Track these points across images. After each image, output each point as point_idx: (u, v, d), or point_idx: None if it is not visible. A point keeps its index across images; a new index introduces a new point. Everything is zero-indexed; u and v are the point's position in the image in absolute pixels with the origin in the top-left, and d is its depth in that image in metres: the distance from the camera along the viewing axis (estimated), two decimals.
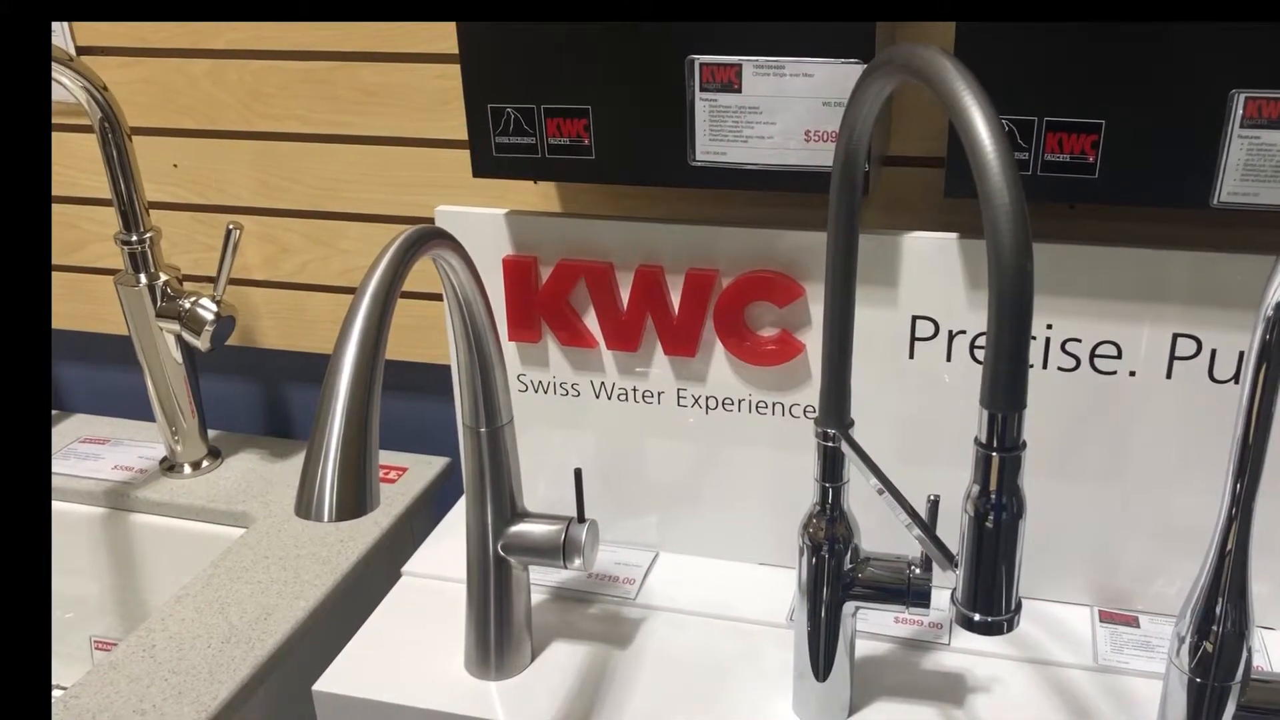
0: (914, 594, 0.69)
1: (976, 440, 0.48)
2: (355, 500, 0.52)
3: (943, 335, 0.78)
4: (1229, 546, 0.63)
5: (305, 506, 0.52)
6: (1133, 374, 0.76)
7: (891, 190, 0.82)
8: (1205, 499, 0.78)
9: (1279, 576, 0.79)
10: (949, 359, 0.78)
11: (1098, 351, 0.76)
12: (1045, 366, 0.77)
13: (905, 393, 0.80)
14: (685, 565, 0.89)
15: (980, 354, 0.78)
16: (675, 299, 0.81)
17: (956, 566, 0.51)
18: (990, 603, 0.51)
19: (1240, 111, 0.65)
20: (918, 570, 0.69)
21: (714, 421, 0.84)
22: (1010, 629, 0.51)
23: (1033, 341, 0.76)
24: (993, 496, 0.49)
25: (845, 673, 0.73)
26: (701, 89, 0.72)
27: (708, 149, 0.73)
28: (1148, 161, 0.67)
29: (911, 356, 0.79)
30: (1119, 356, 0.75)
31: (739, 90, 0.71)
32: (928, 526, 0.60)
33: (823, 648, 0.72)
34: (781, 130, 0.71)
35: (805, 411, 0.82)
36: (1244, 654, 0.65)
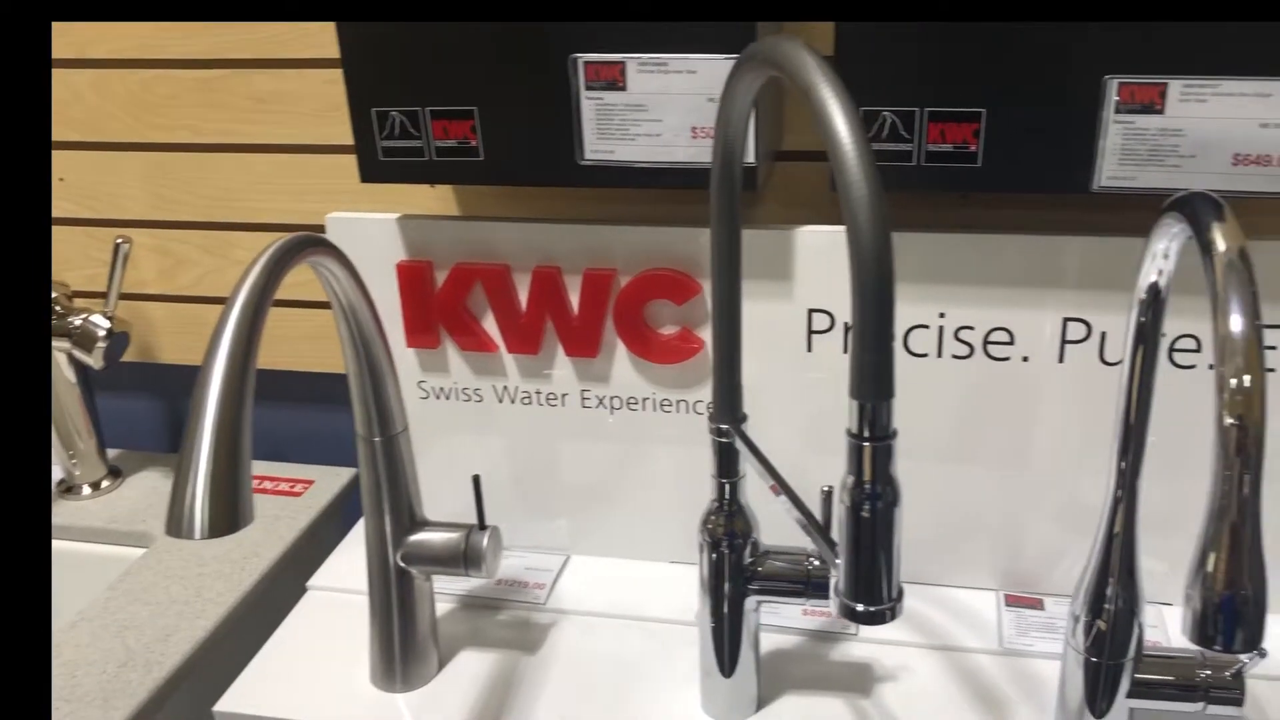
0: (813, 586, 0.69)
1: (848, 431, 0.48)
2: (227, 517, 0.51)
3: (839, 328, 0.78)
4: (1116, 527, 0.64)
5: (175, 524, 0.50)
6: (1026, 359, 0.76)
7: (786, 185, 0.82)
8: (1105, 479, 0.78)
9: (1174, 553, 0.80)
10: (846, 350, 0.78)
11: (990, 338, 0.76)
12: (940, 355, 0.77)
13: (805, 386, 0.80)
14: (597, 567, 0.88)
15: None
16: (575, 300, 0.80)
17: (837, 558, 0.51)
18: (871, 592, 0.51)
19: (1114, 97, 0.65)
20: (816, 563, 0.69)
21: (619, 422, 0.84)
22: (893, 617, 0.51)
23: (925, 330, 0.77)
24: (867, 486, 0.49)
25: (751, 667, 0.73)
26: (587, 87, 0.71)
27: (596, 148, 0.72)
28: (1029, 149, 0.68)
29: (810, 350, 0.79)
30: (1011, 343, 0.76)
31: (624, 88, 0.71)
32: (814, 519, 0.60)
33: (727, 643, 0.71)
34: (668, 127, 0.71)
35: (709, 408, 0.82)
36: (1135, 631, 0.66)
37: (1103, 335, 0.75)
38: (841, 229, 0.76)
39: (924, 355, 0.77)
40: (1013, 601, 0.82)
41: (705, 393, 0.82)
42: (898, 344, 0.77)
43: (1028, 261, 0.74)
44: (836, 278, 0.77)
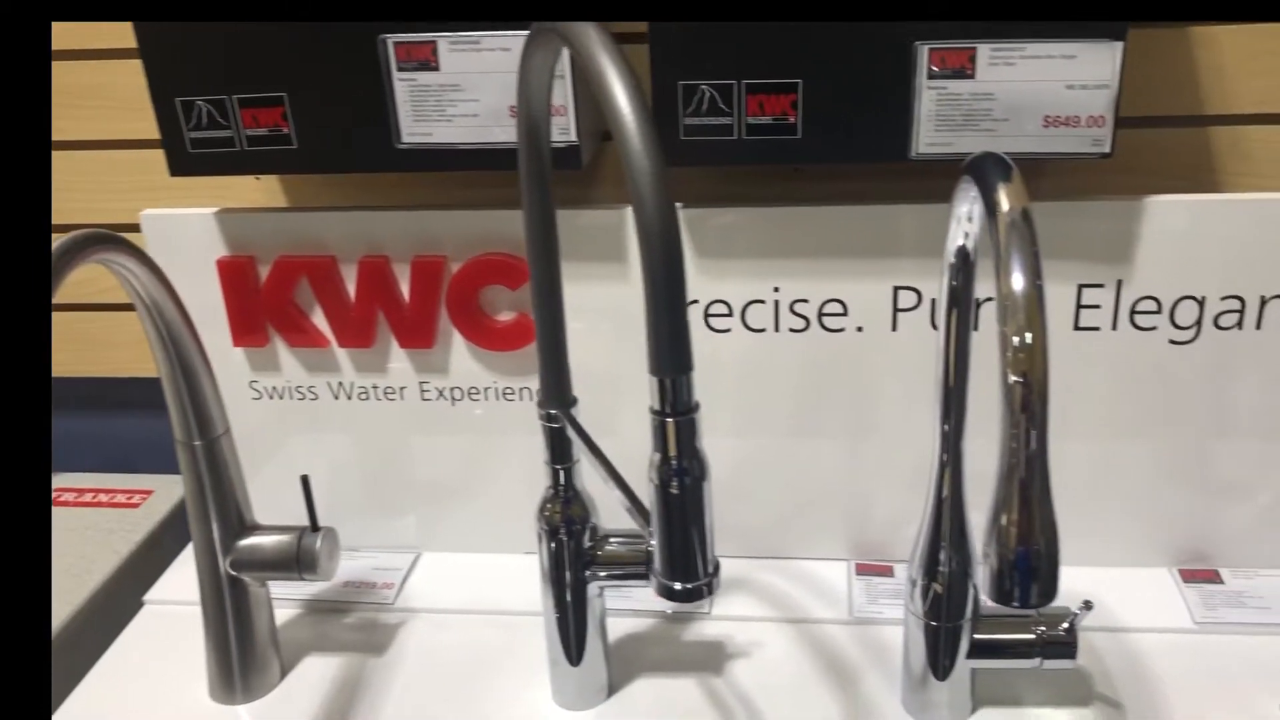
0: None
1: (651, 408, 0.47)
2: None
3: None
4: (944, 491, 0.65)
5: None
6: (860, 329, 0.77)
7: (608, 165, 0.80)
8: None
9: None
10: None
11: (825, 310, 0.76)
12: (777, 329, 0.77)
13: (642, 366, 0.78)
14: (448, 563, 0.86)
15: (714, 322, 0.77)
16: (406, 289, 0.78)
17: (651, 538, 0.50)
18: (687, 569, 0.50)
19: (926, 63, 0.66)
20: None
21: (461, 413, 0.82)
22: (710, 592, 0.51)
23: (762, 305, 0.76)
24: (673, 462, 0.48)
25: (599, 654, 0.72)
26: (398, 68, 0.69)
27: (413, 130, 0.70)
28: (847, 118, 0.67)
29: None
30: (846, 314, 0.76)
31: (437, 68, 0.68)
32: (640, 504, 0.59)
33: (573, 632, 0.70)
34: (485, 107, 0.69)
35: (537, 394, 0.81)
36: (970, 593, 0.66)
37: (933, 302, 0.75)
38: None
39: (762, 330, 0.77)
40: (863, 570, 0.83)
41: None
42: (734, 320, 0.77)
43: (858, 232, 0.74)
44: None
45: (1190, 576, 0.80)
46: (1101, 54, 0.64)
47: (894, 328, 0.76)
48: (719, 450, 0.80)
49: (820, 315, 0.76)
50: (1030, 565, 0.44)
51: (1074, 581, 0.79)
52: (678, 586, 0.51)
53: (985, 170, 0.48)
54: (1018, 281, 0.43)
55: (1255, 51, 0.73)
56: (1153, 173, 0.76)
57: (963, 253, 0.58)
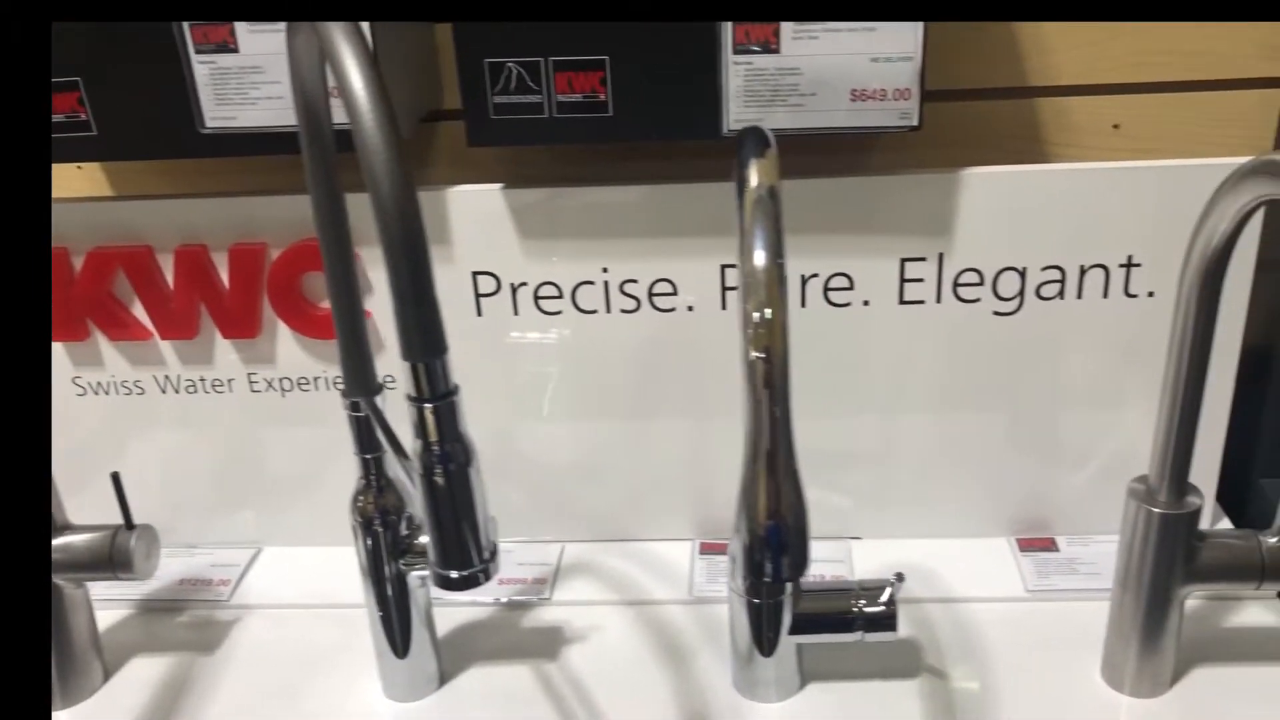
0: None
1: (407, 395, 0.46)
2: None
3: (505, 289, 0.76)
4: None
5: None
6: (691, 309, 0.76)
7: (449, 145, 0.79)
8: None
9: (860, 489, 0.81)
10: (516, 313, 0.77)
11: (655, 290, 0.76)
12: (609, 310, 0.76)
13: (479, 353, 0.78)
14: (288, 557, 0.85)
15: (546, 305, 0.76)
16: (226, 278, 0.76)
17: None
18: (461, 556, 0.49)
19: (731, 37, 0.65)
20: None
21: (292, 404, 0.80)
22: (486, 578, 0.50)
23: (592, 286, 0.75)
24: (435, 449, 0.47)
25: (427, 645, 0.71)
26: (197, 51, 0.67)
27: (216, 114, 0.68)
28: (657, 95, 0.67)
29: (480, 314, 0.77)
30: (675, 293, 0.76)
31: (236, 50, 0.66)
32: None
33: (396, 625, 0.69)
34: (289, 89, 0.67)
35: (385, 381, 0.79)
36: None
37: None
38: (492, 187, 0.74)
39: (593, 312, 0.76)
40: (707, 549, 0.83)
41: (380, 366, 0.78)
42: (565, 302, 0.76)
43: (685, 210, 0.73)
44: (496, 238, 0.75)
45: (1027, 545, 0.81)
46: (903, 26, 0.64)
47: (724, 306, 0.76)
48: (560, 434, 0.80)
49: (651, 295, 0.76)
50: (780, 539, 0.44)
51: (913, 553, 0.81)
52: (453, 575, 0.50)
53: (742, 146, 0.48)
54: (759, 258, 0.43)
55: (1076, 24, 0.74)
56: (980, 145, 0.77)
57: None
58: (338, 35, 0.43)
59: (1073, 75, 0.75)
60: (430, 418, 0.46)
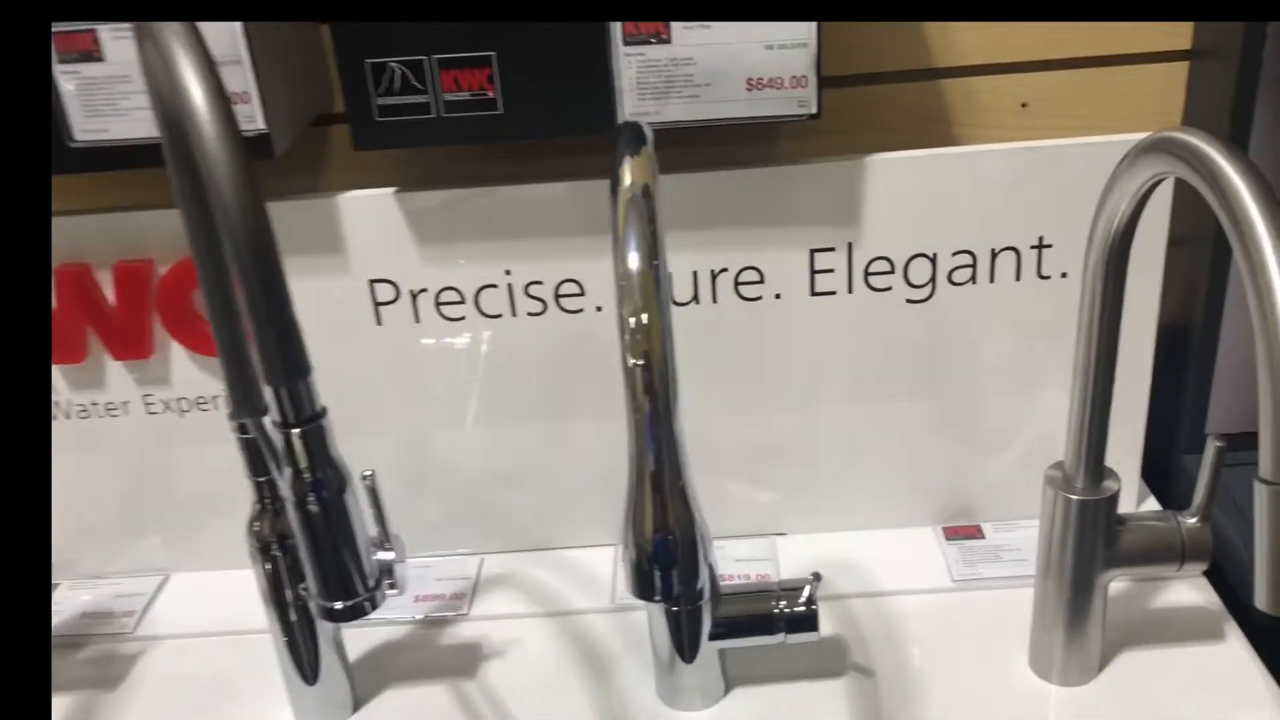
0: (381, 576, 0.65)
1: (272, 421, 0.44)
2: None
3: (405, 296, 0.73)
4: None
5: None
6: (599, 309, 0.74)
7: (343, 149, 0.76)
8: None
9: (783, 484, 0.80)
10: (418, 320, 0.74)
11: (561, 291, 0.73)
12: (514, 314, 0.74)
13: (380, 364, 0.75)
14: (199, 583, 0.82)
15: (448, 310, 0.74)
16: (112, 297, 0.73)
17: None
18: (345, 587, 0.47)
19: (620, 29, 0.63)
20: (380, 552, 0.65)
21: (192, 424, 0.77)
22: (375, 606, 0.47)
23: (495, 290, 0.73)
24: (306, 476, 0.44)
25: (338, 669, 0.68)
26: (60, 60, 0.63)
27: (85, 127, 0.65)
28: (547, 91, 0.64)
29: (379, 323, 0.74)
30: (583, 294, 0.74)
31: (102, 59, 0.63)
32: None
33: (303, 650, 0.66)
34: None
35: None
36: (704, 573, 0.64)
37: (669, 276, 0.73)
38: (385, 192, 0.72)
39: (498, 316, 0.74)
40: None
41: None
42: (468, 307, 0.74)
43: (589, 208, 0.71)
44: (391, 243, 0.72)
45: (953, 534, 0.80)
46: None
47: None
48: (473, 443, 0.78)
49: (557, 297, 0.74)
50: (669, 554, 0.42)
51: (838, 547, 0.79)
52: (337, 606, 0.47)
53: (616, 143, 0.45)
54: (633, 261, 0.41)
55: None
56: (889, 129, 0.75)
57: None
58: (174, 42, 0.40)
59: (978, 55, 0.74)
60: (298, 443, 0.44)
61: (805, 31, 0.62)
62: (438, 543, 0.81)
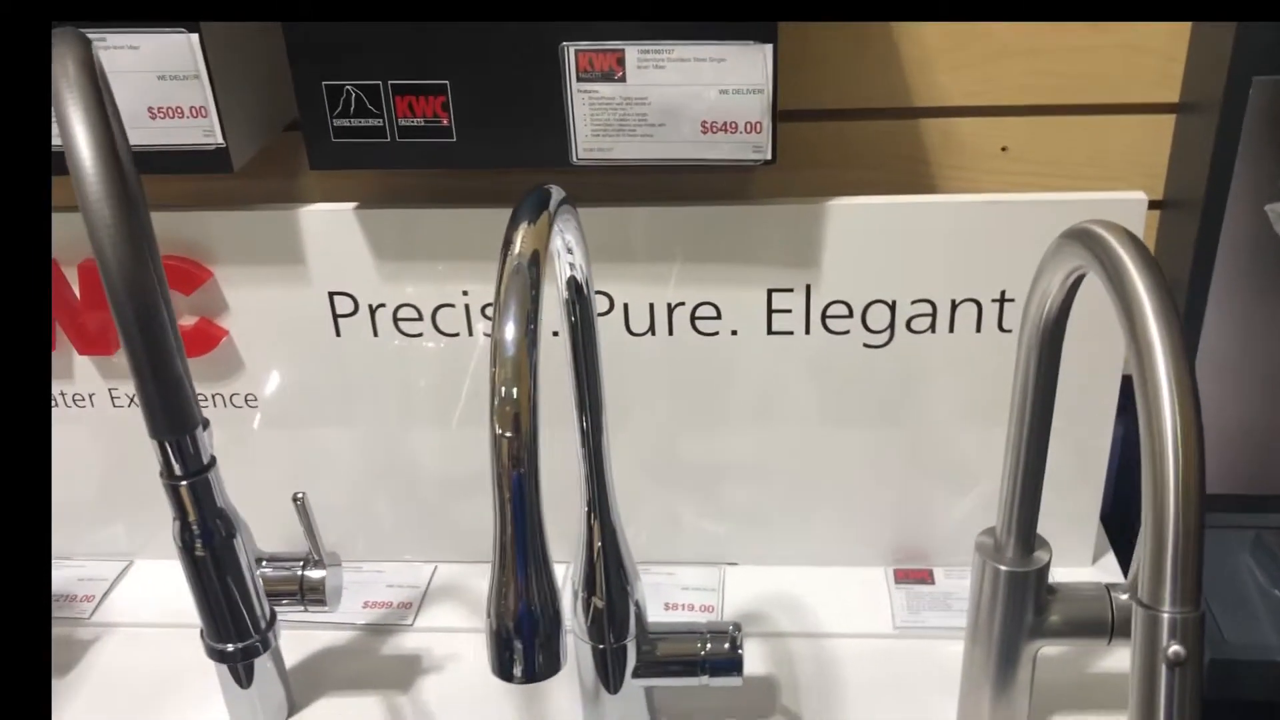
0: (309, 596, 0.66)
1: (160, 474, 0.44)
2: None
3: (364, 310, 0.74)
4: (595, 522, 0.63)
5: None
6: (555, 334, 0.74)
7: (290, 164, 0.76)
8: (653, 447, 0.78)
9: (736, 515, 0.80)
10: (376, 334, 0.75)
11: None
12: (471, 334, 0.74)
13: (339, 374, 0.76)
14: (160, 570, 0.84)
15: (406, 326, 0.74)
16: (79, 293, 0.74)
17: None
18: (237, 629, 0.48)
19: (574, 65, 0.62)
20: (311, 571, 0.66)
21: None
22: (266, 648, 0.48)
23: (452, 309, 0.73)
24: (194, 526, 0.45)
25: (272, 675, 0.69)
26: None
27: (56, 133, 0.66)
28: (502, 122, 0.64)
29: (338, 335, 0.75)
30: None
31: None
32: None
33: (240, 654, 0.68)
34: (123, 109, 0.64)
35: (246, 400, 0.78)
36: (632, 611, 0.65)
37: (625, 306, 0.73)
38: (344, 207, 0.72)
39: (455, 335, 0.74)
40: None
41: (240, 385, 0.77)
42: (425, 324, 0.74)
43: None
44: (351, 258, 0.72)
45: (903, 576, 0.80)
46: (751, 56, 0.61)
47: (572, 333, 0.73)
48: (428, 453, 0.78)
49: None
50: (531, 634, 0.42)
51: (786, 581, 0.79)
52: (230, 649, 0.48)
53: (519, 206, 0.45)
54: (509, 332, 0.41)
55: (958, 42, 0.71)
56: (866, 166, 0.74)
57: (573, 283, 0.56)
58: (68, 95, 0.41)
59: (961, 97, 0.72)
60: (187, 496, 0.44)
61: (761, 78, 0.61)
62: (392, 549, 0.83)
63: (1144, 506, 0.42)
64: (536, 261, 0.43)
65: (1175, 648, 0.40)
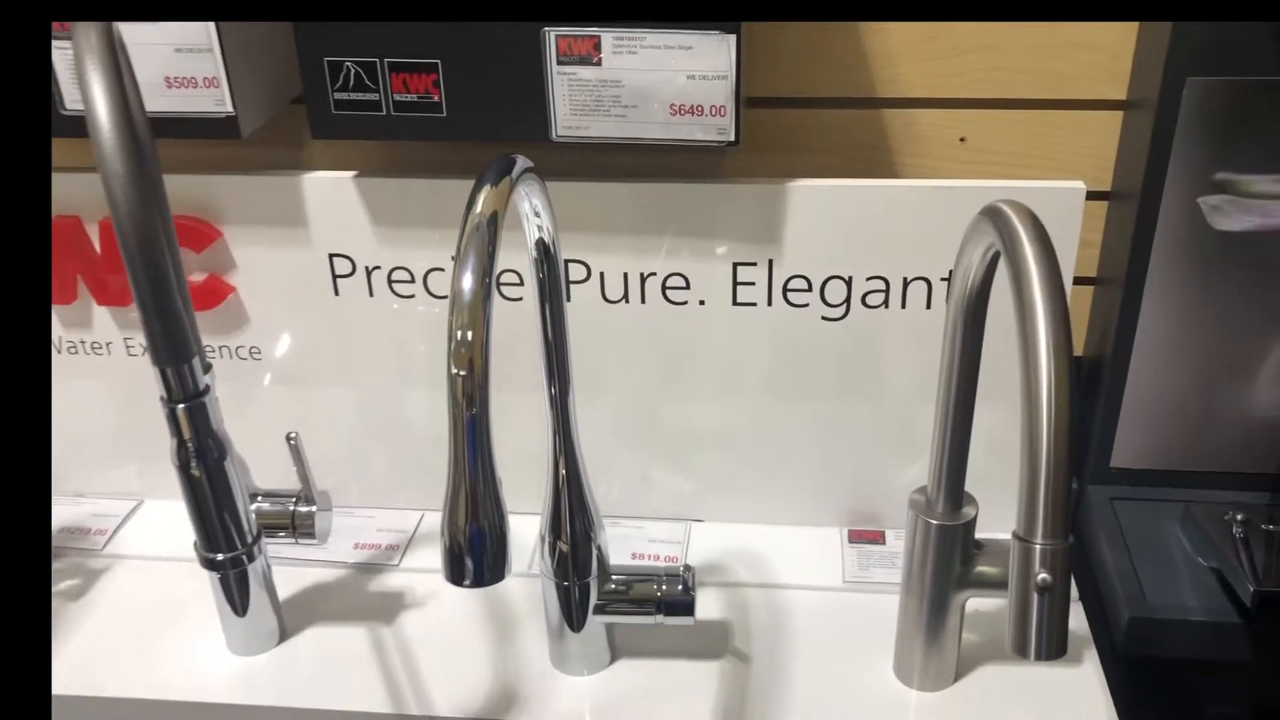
0: (299, 529, 0.72)
1: (161, 399, 0.50)
2: None
3: (361, 271, 0.80)
4: (562, 469, 0.68)
5: None
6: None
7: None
8: (626, 407, 0.83)
9: (702, 474, 0.85)
10: (372, 294, 0.80)
11: (503, 280, 0.79)
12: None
13: (338, 329, 0.82)
14: (167, 511, 0.89)
15: (399, 288, 0.80)
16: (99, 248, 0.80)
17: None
18: (225, 540, 0.54)
19: (554, 48, 0.68)
20: (302, 506, 0.72)
21: None
22: (252, 560, 0.54)
23: (441, 274, 0.79)
24: (190, 445, 0.51)
25: (266, 605, 0.75)
26: (56, 38, 0.70)
27: (74, 98, 0.72)
28: (487, 99, 0.70)
29: (337, 294, 0.81)
30: (521, 284, 0.79)
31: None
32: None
33: (234, 585, 0.74)
34: (143, 77, 0.71)
35: (251, 352, 0.84)
36: (594, 553, 0.71)
37: (601, 275, 0.78)
38: (344, 175, 0.78)
39: (444, 297, 0.80)
40: None
41: (246, 337, 0.83)
42: (417, 286, 0.80)
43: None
44: (350, 223, 0.78)
45: (857, 537, 0.85)
46: (716, 45, 0.66)
47: (568, 298, 0.79)
48: (418, 407, 0.84)
49: (499, 284, 0.79)
50: (480, 547, 0.48)
51: (748, 537, 0.85)
52: (219, 557, 0.54)
53: (484, 173, 0.51)
54: (466, 281, 0.47)
55: (921, 37, 0.76)
56: (829, 152, 0.79)
57: (540, 244, 0.61)
58: (86, 49, 0.47)
59: (921, 88, 0.77)
60: (183, 418, 0.50)
61: (726, 65, 0.67)
62: (385, 496, 0.89)
63: (1020, 453, 0.47)
64: (495, 221, 0.48)
65: (1043, 575, 0.46)
